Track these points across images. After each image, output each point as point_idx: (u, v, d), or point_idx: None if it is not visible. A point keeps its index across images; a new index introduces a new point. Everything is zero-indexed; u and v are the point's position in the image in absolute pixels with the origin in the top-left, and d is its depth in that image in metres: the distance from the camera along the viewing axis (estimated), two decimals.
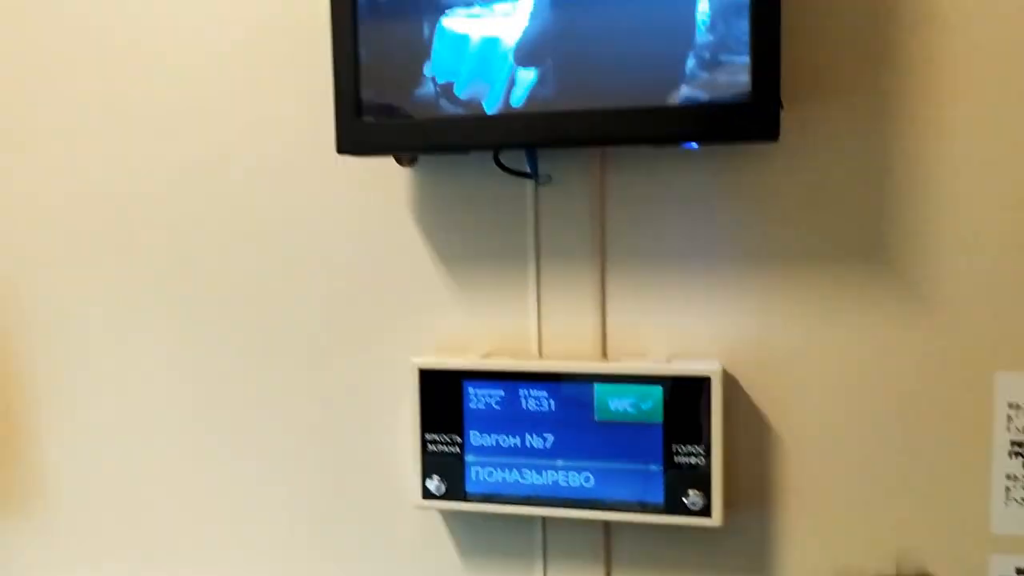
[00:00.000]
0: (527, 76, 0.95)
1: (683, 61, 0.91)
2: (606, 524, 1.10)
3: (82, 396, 1.24)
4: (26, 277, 1.25)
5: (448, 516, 1.14)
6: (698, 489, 1.00)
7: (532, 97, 0.95)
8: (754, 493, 1.05)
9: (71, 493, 1.27)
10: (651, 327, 1.06)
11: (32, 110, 1.22)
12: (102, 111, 1.20)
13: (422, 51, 0.97)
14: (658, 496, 1.02)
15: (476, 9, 0.95)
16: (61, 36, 1.20)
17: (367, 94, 0.99)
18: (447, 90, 0.97)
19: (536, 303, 1.09)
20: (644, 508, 1.03)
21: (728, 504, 1.04)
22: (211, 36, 1.15)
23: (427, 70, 0.97)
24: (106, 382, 1.23)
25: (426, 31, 0.97)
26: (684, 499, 1.01)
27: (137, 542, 1.25)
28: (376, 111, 0.99)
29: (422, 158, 1.09)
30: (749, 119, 0.90)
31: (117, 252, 1.21)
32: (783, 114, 0.96)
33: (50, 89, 1.21)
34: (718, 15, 0.90)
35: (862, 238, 0.99)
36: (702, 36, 0.90)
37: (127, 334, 1.22)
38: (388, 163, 1.10)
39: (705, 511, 1.01)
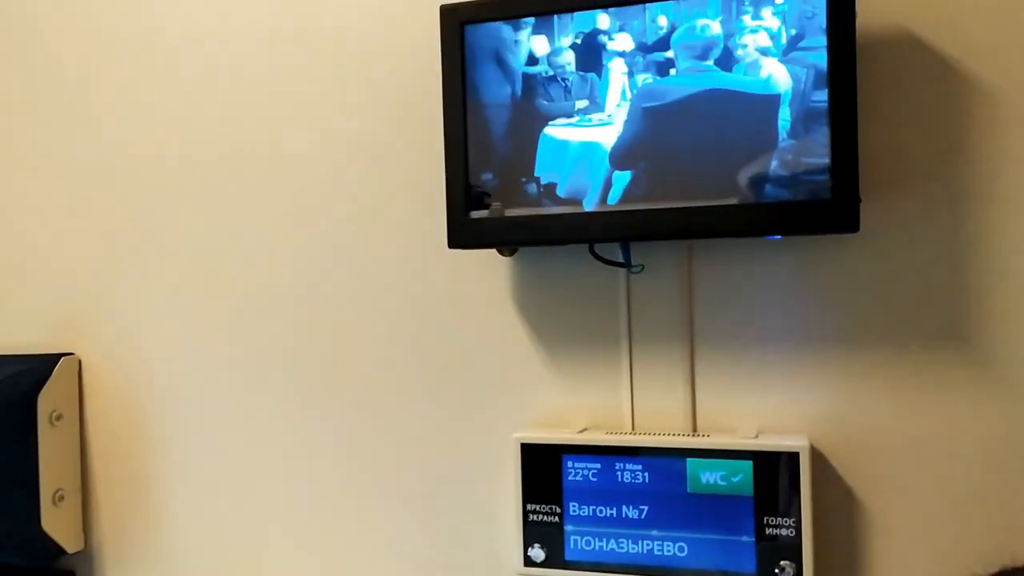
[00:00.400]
0: (622, 177, 1.05)
1: (767, 163, 1.00)
2: None
3: (205, 463, 1.35)
4: (158, 357, 1.37)
5: None
6: (790, 560, 1.06)
7: (627, 196, 1.05)
8: (843, 563, 1.10)
9: (195, 553, 1.37)
10: (739, 404, 1.13)
11: (164, 203, 1.36)
12: (227, 210, 1.33)
13: (528, 156, 1.08)
14: (750, 566, 1.08)
15: (576, 119, 1.05)
16: (184, 146, 1.35)
17: (476, 194, 1.09)
18: (550, 190, 1.07)
19: (629, 381, 1.17)
20: None
21: (818, 573, 1.09)
22: (340, 146, 1.28)
23: (532, 172, 1.07)
24: (227, 453, 1.34)
25: (531, 138, 1.07)
26: (776, 570, 1.06)
27: None
28: (483, 209, 1.10)
29: (522, 249, 1.19)
30: (830, 215, 0.98)
31: (241, 336, 1.33)
32: (862, 206, 1.03)
33: (175, 192, 1.35)
34: (798, 121, 0.99)
35: (940, 320, 1.05)
36: (784, 141, 0.99)
37: (247, 410, 1.33)
38: (490, 253, 1.20)
39: None
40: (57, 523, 1.35)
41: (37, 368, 1.35)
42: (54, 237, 1.43)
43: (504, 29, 1.08)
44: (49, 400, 1.34)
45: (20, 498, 1.30)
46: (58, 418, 1.36)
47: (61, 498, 1.36)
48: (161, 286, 1.37)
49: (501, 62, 1.08)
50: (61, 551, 1.36)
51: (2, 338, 1.45)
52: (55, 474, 1.35)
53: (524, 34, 1.08)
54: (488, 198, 1.09)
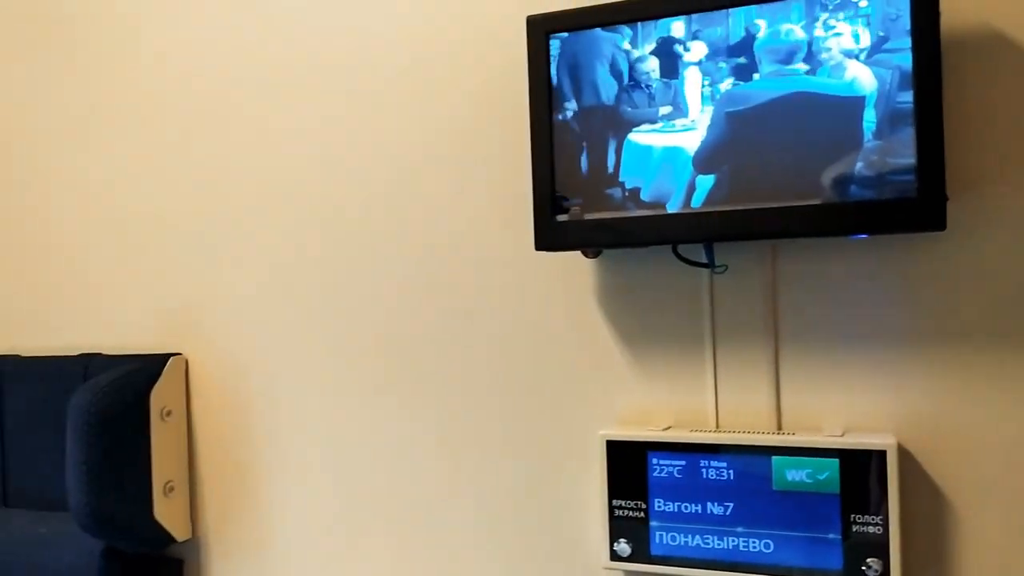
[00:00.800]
0: (706, 181, 1.07)
1: (852, 163, 1.01)
2: None
3: (305, 456, 1.42)
4: (259, 355, 1.45)
5: None
6: (877, 557, 1.07)
7: (710, 199, 1.07)
8: (930, 562, 1.10)
9: (295, 542, 1.44)
10: (824, 402, 1.14)
11: (262, 208, 1.44)
12: (324, 214, 1.40)
13: (612, 161, 1.11)
14: (837, 563, 1.09)
15: (660, 124, 1.08)
16: (284, 152, 1.42)
17: (561, 198, 1.13)
18: (634, 194, 1.10)
19: (713, 380, 1.19)
20: (823, 575, 1.10)
21: (906, 571, 1.09)
22: (434, 151, 1.33)
23: (616, 177, 1.11)
24: (325, 446, 1.41)
25: (616, 144, 1.10)
26: (863, 567, 1.07)
27: None
28: (568, 213, 1.13)
29: (606, 251, 1.23)
30: (917, 213, 0.99)
31: (338, 335, 1.39)
32: (948, 204, 1.03)
33: (271, 191, 1.43)
34: (884, 122, 0.99)
35: None
36: (869, 142, 1.00)
37: (344, 405, 1.39)
38: (575, 255, 1.24)
39: None
40: (167, 513, 1.44)
41: (148, 367, 1.43)
42: (162, 248, 1.51)
43: (589, 38, 1.12)
44: (160, 397, 1.43)
45: (135, 489, 1.38)
46: (168, 414, 1.44)
47: (171, 489, 1.44)
48: (261, 288, 1.44)
49: (586, 70, 1.12)
50: (171, 539, 1.45)
51: (117, 339, 1.55)
52: (165, 467, 1.43)
53: (608, 43, 1.11)
54: (573, 202, 1.13)
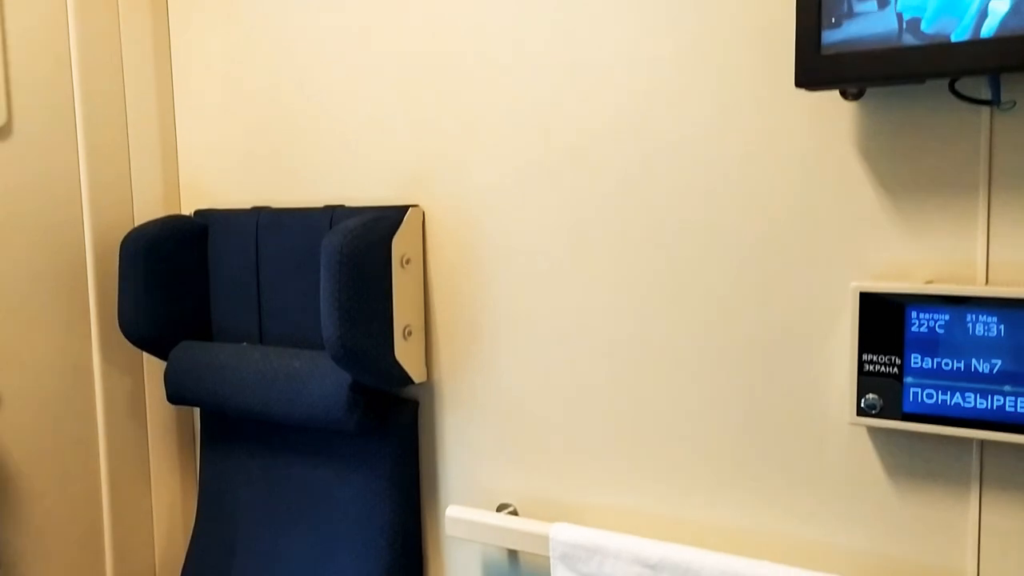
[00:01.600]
0: (999, 7, 0.97)
1: None
2: None
3: (532, 312, 1.46)
4: (493, 211, 1.48)
5: (879, 436, 1.19)
6: None
7: (1005, 26, 0.97)
8: None
9: (518, 397, 1.49)
10: None
11: (499, 68, 1.45)
12: (552, 66, 1.39)
13: None
14: None
15: None
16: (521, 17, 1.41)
17: (826, 28, 1.06)
18: (913, 25, 1.02)
19: (985, 232, 1.10)
20: None
21: None
22: None
23: (894, 6, 1.03)
24: (552, 304, 1.43)
25: None
26: None
27: (569, 448, 1.44)
28: (834, 46, 1.06)
29: (870, 92, 1.15)
30: None
31: (570, 190, 1.40)
32: None
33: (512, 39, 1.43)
34: None
35: None
36: None
37: (573, 261, 1.41)
38: (831, 98, 1.17)
39: None
40: (406, 355, 1.52)
41: (390, 217, 1.50)
42: (401, 105, 1.56)
43: None
44: (400, 245, 1.50)
45: (378, 328, 1.47)
46: (407, 262, 1.51)
47: (409, 333, 1.52)
48: (497, 145, 1.47)
49: None
50: (409, 380, 1.54)
51: (360, 192, 1.63)
52: (404, 311, 1.51)
53: None
54: (840, 32, 1.06)
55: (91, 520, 1.81)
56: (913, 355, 1.13)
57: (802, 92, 1.19)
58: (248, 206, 1.78)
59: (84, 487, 1.80)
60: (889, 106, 1.15)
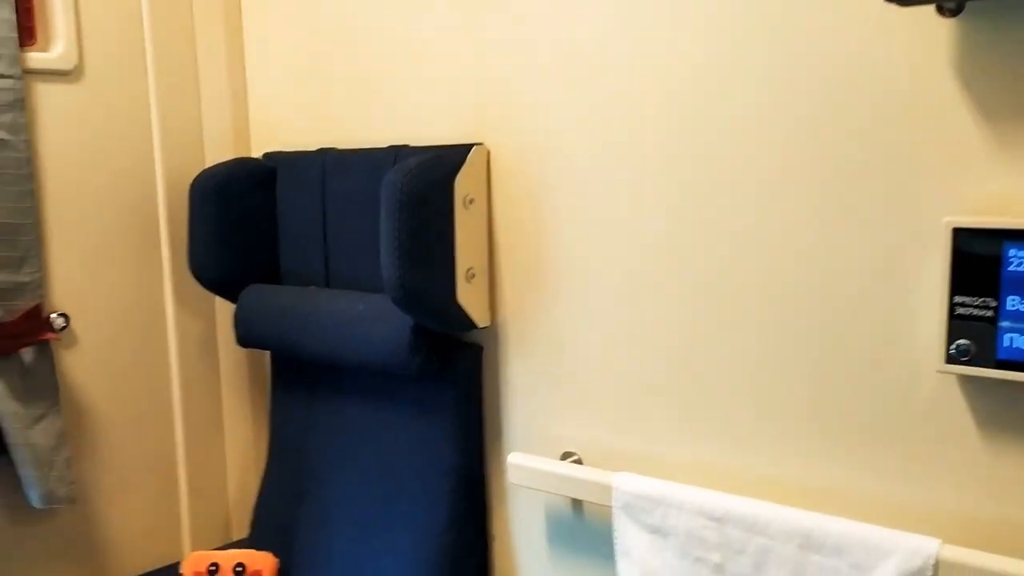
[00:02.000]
0: None
1: None
2: None
3: (597, 256, 1.39)
4: (559, 152, 1.42)
5: (970, 385, 1.10)
6: None
7: None
8: None
9: (582, 343, 1.43)
10: None
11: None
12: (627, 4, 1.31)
13: None
14: None
15: None
16: None
17: None
18: None
19: None
20: None
21: None
22: None
23: None
24: (618, 247, 1.37)
25: None
26: None
27: (635, 397, 1.38)
28: None
29: (970, 8, 1.04)
30: None
31: (640, 131, 1.32)
32: None
33: None
34: None
35: None
36: None
37: (641, 205, 1.33)
38: (927, 15, 1.07)
39: None
40: (469, 298, 1.48)
41: (452, 155, 1.46)
42: (468, 43, 1.51)
43: None
44: (463, 185, 1.45)
45: (440, 270, 1.44)
46: (470, 202, 1.47)
47: (472, 276, 1.48)
48: (566, 84, 1.40)
49: None
50: (472, 324, 1.50)
51: (426, 131, 1.59)
52: (467, 253, 1.47)
53: None
54: None
55: (166, 459, 1.85)
56: (1010, 297, 1.03)
57: (893, 8, 1.09)
58: (316, 148, 1.76)
59: (159, 427, 1.83)
60: (991, 23, 1.03)
